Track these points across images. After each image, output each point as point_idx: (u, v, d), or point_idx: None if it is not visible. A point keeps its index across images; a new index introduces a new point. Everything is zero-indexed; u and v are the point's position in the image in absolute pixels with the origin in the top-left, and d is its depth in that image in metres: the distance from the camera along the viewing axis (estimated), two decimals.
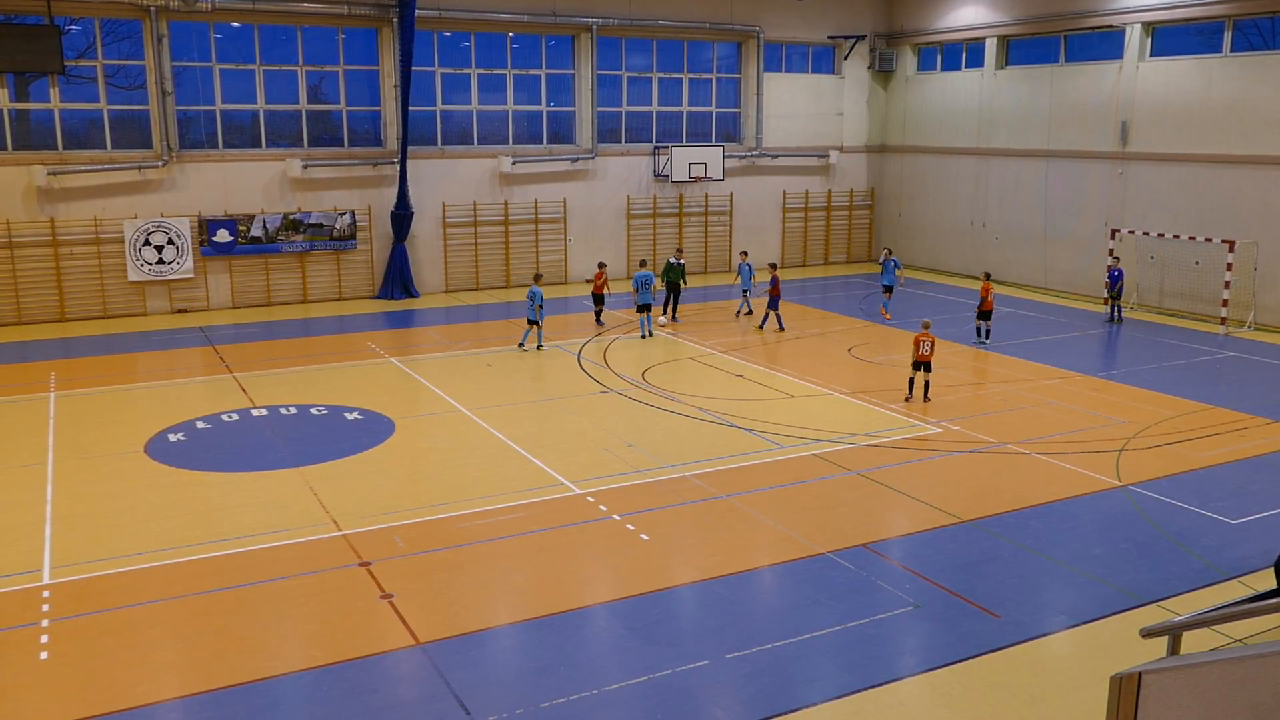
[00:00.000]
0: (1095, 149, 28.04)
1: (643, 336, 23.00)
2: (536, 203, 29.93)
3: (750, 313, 25.52)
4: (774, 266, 24.64)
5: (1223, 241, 24.41)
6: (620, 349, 21.82)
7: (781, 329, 23.61)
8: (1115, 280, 25.20)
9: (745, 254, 26.72)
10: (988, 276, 23.17)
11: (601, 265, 24.82)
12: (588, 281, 23.67)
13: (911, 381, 17.77)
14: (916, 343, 17.62)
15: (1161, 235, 26.11)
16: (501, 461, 14.55)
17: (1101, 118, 27.70)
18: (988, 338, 22.51)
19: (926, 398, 17.72)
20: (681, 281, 25.16)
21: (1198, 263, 25.49)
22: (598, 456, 14.71)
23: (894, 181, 35.32)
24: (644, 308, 23.15)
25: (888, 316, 24.73)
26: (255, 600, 10.36)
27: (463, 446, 15.27)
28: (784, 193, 33.99)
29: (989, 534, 11.98)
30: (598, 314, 24.48)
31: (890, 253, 26.42)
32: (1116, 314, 25.16)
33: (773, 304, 23.69)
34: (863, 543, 11.70)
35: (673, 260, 25.11)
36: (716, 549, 11.61)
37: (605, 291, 24.69)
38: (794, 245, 34.59)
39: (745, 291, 25.68)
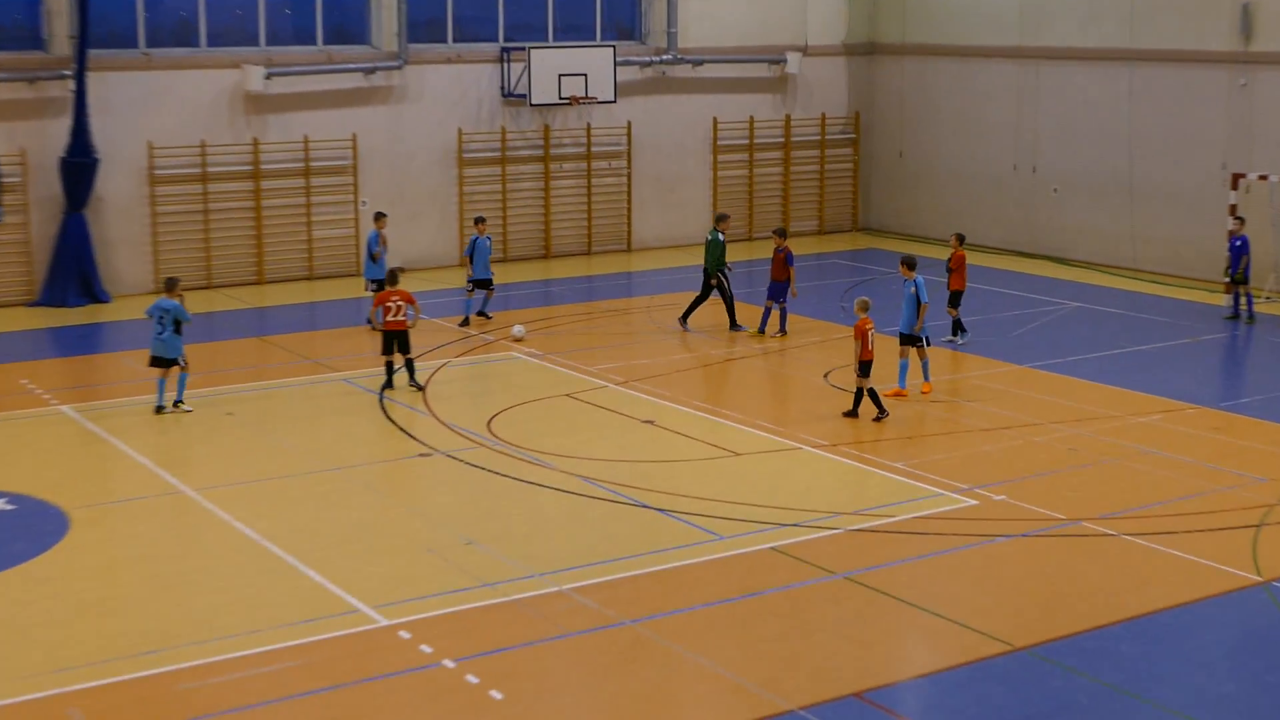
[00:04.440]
0: (1204, 47, 26.78)
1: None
2: (307, 141, 26.74)
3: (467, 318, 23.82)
4: (781, 235, 23.52)
5: None
6: (450, 381, 20.46)
7: (782, 331, 23.34)
8: (1237, 254, 23.62)
9: (481, 222, 24.46)
10: (960, 240, 22.76)
11: (395, 280, 19.69)
12: (395, 293, 19.89)
13: (858, 392, 18.33)
14: (862, 334, 18.01)
15: None
16: (253, 575, 13.56)
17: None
18: (959, 334, 22.44)
19: (856, 411, 18.32)
20: (724, 269, 23.44)
21: None
22: (416, 562, 13.90)
23: (890, 102, 32.86)
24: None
25: (927, 390, 20.16)
26: None
27: (186, 553, 14.28)
28: (714, 120, 30.97)
29: (1058, 668, 11.40)
30: (400, 365, 19.77)
31: (911, 267, 20.30)
32: (1247, 306, 23.92)
33: (773, 293, 23.19)
34: (856, 690, 11.05)
35: (720, 236, 23.36)
36: (615, 714, 10.79)
37: (406, 323, 19.55)
38: (734, 205, 30.62)
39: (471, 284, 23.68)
